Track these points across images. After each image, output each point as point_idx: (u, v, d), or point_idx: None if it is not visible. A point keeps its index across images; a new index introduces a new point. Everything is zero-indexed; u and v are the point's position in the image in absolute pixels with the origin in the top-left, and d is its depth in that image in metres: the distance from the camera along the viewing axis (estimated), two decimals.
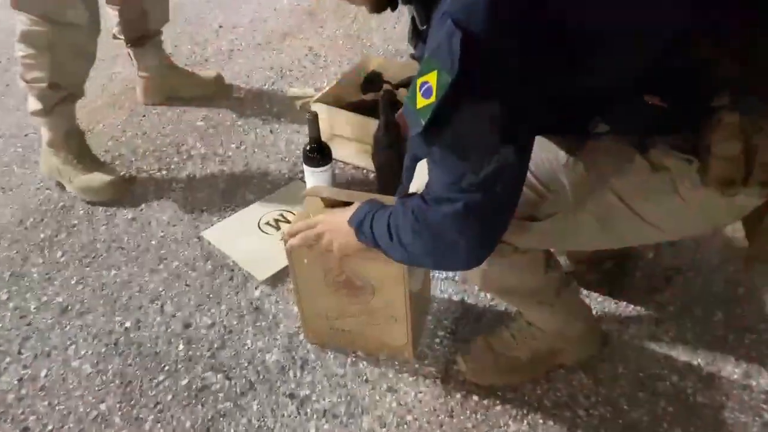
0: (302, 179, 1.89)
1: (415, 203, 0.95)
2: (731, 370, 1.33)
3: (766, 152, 0.85)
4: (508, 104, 0.80)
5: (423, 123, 0.81)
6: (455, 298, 1.53)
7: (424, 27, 0.89)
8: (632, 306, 1.47)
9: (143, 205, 1.85)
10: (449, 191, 0.88)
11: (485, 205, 0.87)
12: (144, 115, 2.21)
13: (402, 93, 1.83)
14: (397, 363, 1.39)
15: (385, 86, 1.86)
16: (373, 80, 2.07)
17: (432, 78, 0.78)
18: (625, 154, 0.95)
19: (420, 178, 1.08)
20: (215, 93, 2.26)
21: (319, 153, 1.66)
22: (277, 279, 1.59)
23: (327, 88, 1.94)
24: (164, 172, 1.97)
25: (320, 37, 2.62)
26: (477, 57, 0.76)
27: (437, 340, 1.44)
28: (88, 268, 1.67)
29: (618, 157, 0.96)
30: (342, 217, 1.14)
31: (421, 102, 0.80)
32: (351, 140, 1.86)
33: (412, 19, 0.93)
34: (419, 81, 0.80)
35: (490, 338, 1.34)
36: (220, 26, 2.73)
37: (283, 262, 1.60)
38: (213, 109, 2.23)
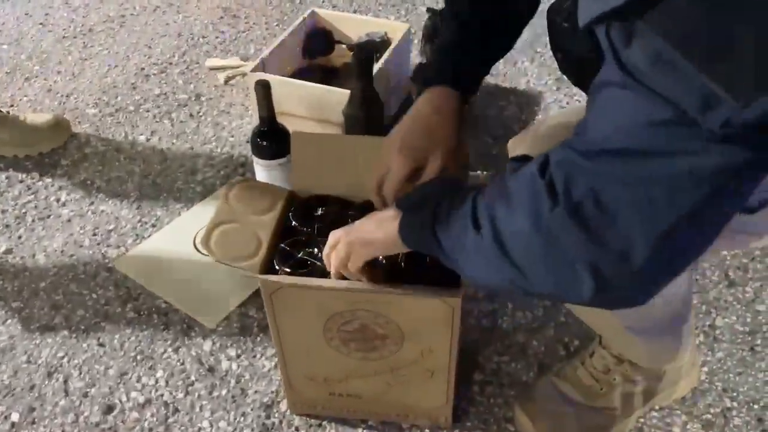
0: (243, 175, 1.42)
1: (572, 157, 0.51)
2: None
3: None
4: None
5: None
6: (485, 322, 1.13)
7: None
8: (717, 312, 1.13)
9: (21, 230, 1.31)
10: (671, 137, 0.45)
11: (736, 167, 0.45)
12: None
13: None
14: (428, 431, 0.98)
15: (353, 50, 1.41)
16: (319, 41, 1.62)
17: None
18: None
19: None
20: (54, 148, 1.48)
21: (274, 139, 1.19)
22: (233, 322, 1.13)
23: (264, 53, 1.47)
24: (47, 180, 1.42)
25: None
26: None
27: (476, 388, 1.03)
28: None
29: None
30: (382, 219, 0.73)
31: None
32: (306, 119, 1.40)
33: None
34: None
35: (561, 382, 0.96)
36: None
37: (240, 297, 1.14)
38: (108, 90, 1.69)
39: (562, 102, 1.61)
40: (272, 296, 0.83)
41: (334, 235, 0.76)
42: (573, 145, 0.51)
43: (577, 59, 0.89)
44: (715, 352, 1.06)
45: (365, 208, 0.90)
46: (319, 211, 0.90)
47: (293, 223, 0.89)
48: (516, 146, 0.87)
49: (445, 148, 0.80)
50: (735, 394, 1.01)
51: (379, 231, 0.71)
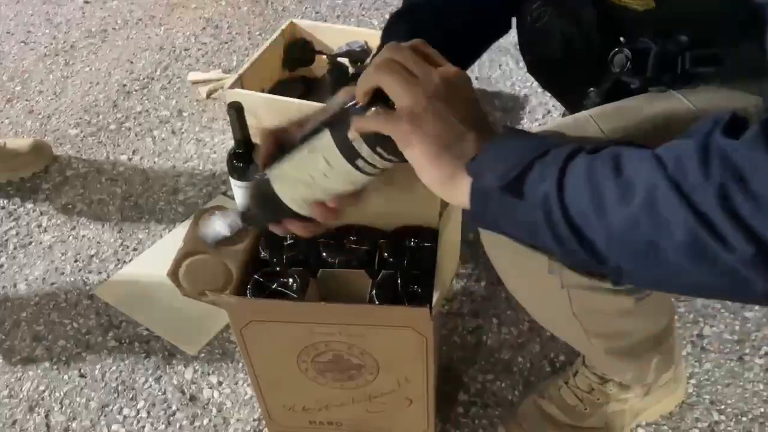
0: (226, 193, 1.41)
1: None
2: None
3: None
4: None
5: None
6: (470, 338, 1.11)
7: None
8: (704, 321, 1.11)
9: (2, 260, 1.30)
10: None
11: None
12: None
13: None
14: None
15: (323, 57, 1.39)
16: (299, 52, 1.60)
17: None
18: None
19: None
20: (35, 173, 1.47)
21: (249, 160, 1.18)
22: (215, 348, 1.12)
23: (243, 68, 1.45)
24: (28, 206, 1.41)
25: (218, 4, 2.09)
26: None
27: (461, 409, 1.02)
28: None
29: None
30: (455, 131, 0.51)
31: None
32: None
33: None
34: None
35: (545, 403, 0.94)
36: (86, 2, 2.13)
37: (221, 323, 1.13)
38: (90, 109, 1.67)
39: (547, 105, 1.59)
40: (242, 331, 0.82)
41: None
42: None
43: (547, 61, 0.87)
44: (702, 363, 1.04)
45: (338, 236, 0.88)
46: (290, 240, 0.89)
47: (262, 254, 0.87)
48: None
49: None
50: (723, 406, 0.99)
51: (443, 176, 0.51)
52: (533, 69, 0.93)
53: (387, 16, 0.85)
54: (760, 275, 0.38)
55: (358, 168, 0.55)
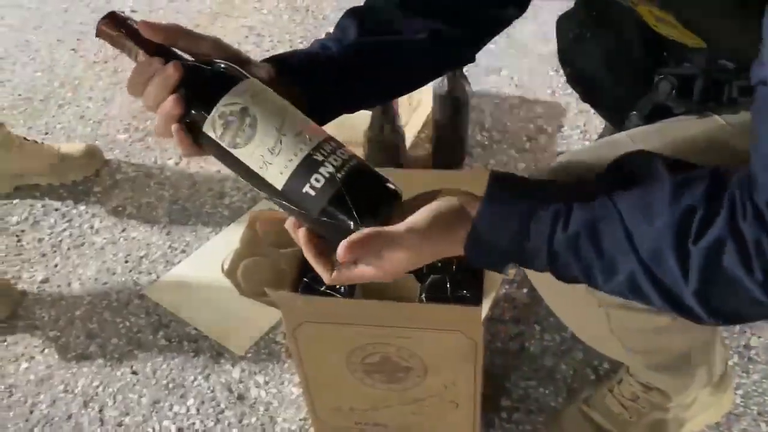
0: (271, 198, 1.44)
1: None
2: None
3: None
4: None
5: None
6: (512, 345, 1.12)
7: None
8: (752, 332, 1.10)
9: (57, 260, 1.35)
10: None
11: None
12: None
13: None
14: None
15: None
16: None
17: None
18: None
19: None
20: (87, 176, 1.51)
21: None
22: (262, 349, 1.14)
23: None
24: (81, 208, 1.46)
25: (259, 13, 2.13)
26: None
27: (504, 414, 1.03)
28: None
29: None
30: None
31: None
32: None
33: None
34: None
35: (590, 410, 0.95)
36: (133, 11, 2.19)
37: (268, 323, 1.16)
38: (138, 115, 1.73)
39: (588, 112, 1.59)
40: (295, 331, 0.84)
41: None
42: None
43: (587, 76, 0.88)
44: (750, 374, 1.04)
45: None
46: None
47: None
48: None
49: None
50: None
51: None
52: (573, 80, 0.93)
53: None
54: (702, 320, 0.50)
55: None
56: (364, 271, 0.54)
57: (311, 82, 0.62)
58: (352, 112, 0.69)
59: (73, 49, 2.03)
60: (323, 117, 0.62)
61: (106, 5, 2.20)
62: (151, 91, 0.54)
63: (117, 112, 1.75)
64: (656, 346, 0.76)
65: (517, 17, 0.76)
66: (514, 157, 1.49)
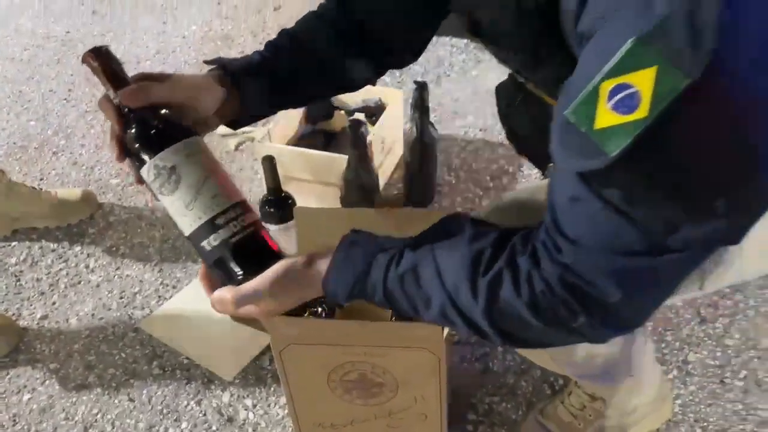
0: None
1: (547, 275, 0.58)
2: None
3: None
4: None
5: (612, 152, 0.48)
6: (477, 365, 1.23)
7: None
8: (689, 348, 1.23)
9: (55, 297, 1.45)
10: (630, 252, 0.55)
11: (692, 267, 0.57)
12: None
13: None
14: None
15: (351, 115, 1.56)
16: (320, 108, 1.77)
17: (642, 79, 0.46)
18: None
19: None
20: (81, 219, 1.63)
21: (280, 207, 1.33)
22: (249, 374, 1.25)
23: (271, 124, 1.61)
24: (77, 248, 1.56)
25: None
26: (742, 41, 0.45)
27: (470, 427, 1.14)
28: None
29: None
30: (302, 283, 0.70)
31: (609, 118, 0.48)
32: (311, 183, 1.54)
33: None
34: (606, 84, 0.47)
35: (545, 419, 1.06)
36: (122, 62, 2.32)
37: (254, 350, 1.26)
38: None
39: None
40: (281, 353, 0.95)
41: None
42: (563, 259, 0.57)
43: (518, 134, 1.00)
44: (687, 385, 1.16)
45: None
46: None
47: None
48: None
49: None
50: (705, 424, 1.10)
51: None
52: (509, 137, 1.05)
53: (398, 74, 1.00)
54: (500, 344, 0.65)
55: None
56: (249, 310, 0.70)
57: (246, 84, 0.78)
58: (283, 109, 0.89)
59: (65, 99, 2.15)
60: (260, 112, 0.82)
61: None
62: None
63: (109, 158, 1.86)
64: (578, 360, 0.89)
65: (411, 62, 0.94)
66: (479, 194, 1.63)
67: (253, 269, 0.70)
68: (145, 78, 0.74)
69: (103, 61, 0.72)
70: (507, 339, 0.64)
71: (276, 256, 0.72)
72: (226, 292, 0.69)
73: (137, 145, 0.70)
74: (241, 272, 0.71)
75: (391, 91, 1.73)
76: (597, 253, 0.55)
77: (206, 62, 0.80)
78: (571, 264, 0.56)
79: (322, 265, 0.68)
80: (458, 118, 1.88)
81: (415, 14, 0.85)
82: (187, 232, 0.70)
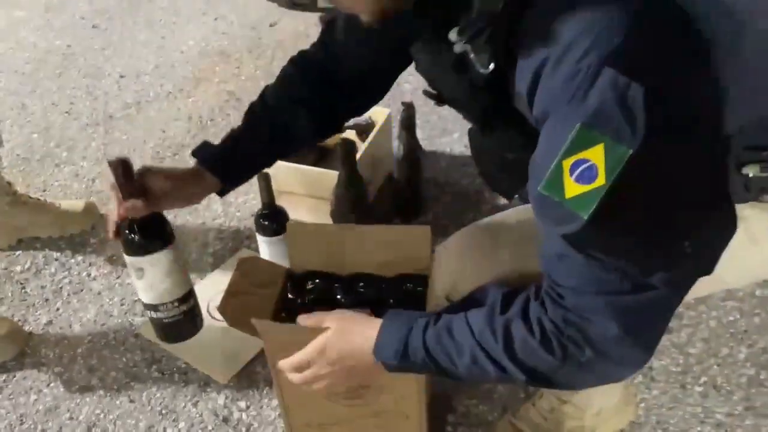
0: (249, 247, 1.63)
1: (553, 317, 0.68)
2: None
3: None
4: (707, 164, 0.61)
5: (584, 216, 0.58)
6: None
7: (489, 70, 0.64)
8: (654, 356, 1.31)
9: (59, 303, 1.52)
10: (620, 292, 0.64)
11: (676, 301, 0.67)
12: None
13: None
14: None
15: (343, 133, 1.64)
16: None
17: (595, 154, 0.56)
18: None
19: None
20: (83, 230, 1.72)
21: (273, 220, 1.41)
22: (243, 377, 1.33)
23: None
24: (79, 257, 1.64)
25: (239, 79, 2.37)
26: (666, 113, 0.55)
27: (449, 428, 1.22)
28: None
29: None
30: (354, 345, 0.85)
31: (575, 189, 0.57)
32: (304, 197, 1.62)
33: (440, 46, 0.71)
34: (567, 162, 0.57)
35: (517, 421, 1.15)
36: (122, 76, 2.41)
37: (248, 355, 1.34)
38: None
39: None
40: (274, 357, 1.03)
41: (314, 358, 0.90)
42: (564, 303, 0.67)
43: (486, 172, 1.08)
44: (651, 390, 1.25)
45: (349, 281, 1.11)
46: (310, 285, 1.11)
47: (290, 295, 1.10)
48: (446, 256, 1.01)
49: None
50: (667, 426, 1.19)
51: (368, 370, 0.86)
52: (480, 174, 1.13)
53: (388, 95, 1.09)
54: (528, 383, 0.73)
55: None
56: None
57: (222, 168, 1.02)
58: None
59: (66, 112, 2.23)
60: (235, 182, 1.07)
61: (96, 71, 2.42)
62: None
63: (109, 170, 1.93)
64: None
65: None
66: (463, 209, 1.72)
67: (174, 341, 1.16)
68: (147, 171, 0.97)
69: (122, 170, 0.93)
70: (532, 377, 0.72)
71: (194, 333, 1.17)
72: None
73: (123, 240, 1.03)
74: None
75: (380, 110, 1.82)
76: (591, 296, 0.65)
77: (193, 154, 1.02)
78: (572, 306, 0.66)
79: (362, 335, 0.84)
80: (445, 135, 1.97)
81: (383, 70, 0.99)
82: (142, 298, 1.09)
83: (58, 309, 1.51)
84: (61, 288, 1.56)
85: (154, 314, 1.08)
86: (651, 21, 0.57)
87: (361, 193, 1.49)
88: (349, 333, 0.85)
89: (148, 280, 1.03)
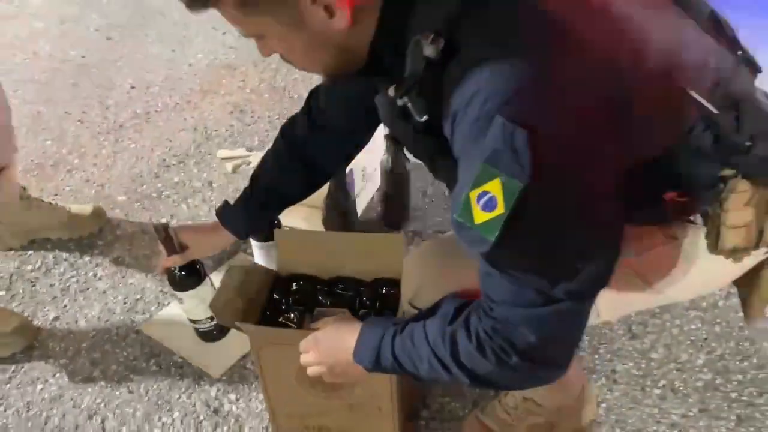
0: (246, 251, 1.74)
1: (485, 327, 0.77)
2: (726, 415, 1.29)
3: None
4: (600, 191, 0.70)
5: (491, 239, 0.67)
6: None
7: (423, 119, 0.75)
8: (618, 360, 1.40)
9: (66, 301, 1.63)
10: (533, 305, 0.74)
11: (582, 311, 0.76)
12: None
13: None
14: None
15: None
16: None
17: (494, 187, 0.66)
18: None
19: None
20: (91, 232, 1.82)
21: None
22: (234, 372, 1.43)
23: (263, 153, 1.80)
24: (86, 258, 1.75)
25: (243, 92, 2.48)
26: (549, 152, 0.65)
27: (423, 423, 1.31)
28: (8, 386, 1.43)
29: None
30: (340, 344, 0.95)
31: (482, 216, 0.68)
32: (298, 205, 1.72)
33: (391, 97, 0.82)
34: (473, 193, 0.67)
35: (483, 417, 1.24)
36: (132, 87, 2.53)
37: (239, 352, 1.44)
38: (136, 179, 2.03)
39: None
40: (260, 352, 1.13)
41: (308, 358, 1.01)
42: (487, 314, 0.77)
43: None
44: (613, 392, 1.34)
45: (330, 284, 1.21)
46: (294, 286, 1.21)
47: (275, 295, 1.20)
48: (411, 264, 1.13)
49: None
50: (624, 425, 1.28)
51: (352, 369, 0.95)
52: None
53: None
54: (472, 384, 0.82)
55: None
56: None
57: (233, 227, 1.27)
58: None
59: (79, 121, 2.35)
60: (247, 235, 1.31)
61: (108, 82, 2.54)
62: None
63: (118, 177, 2.05)
64: None
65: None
66: (447, 219, 1.81)
67: (208, 342, 1.48)
68: (180, 228, 1.29)
69: (165, 233, 1.25)
70: (475, 380, 0.81)
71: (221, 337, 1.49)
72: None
73: (168, 279, 1.36)
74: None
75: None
76: (512, 308, 0.75)
77: (217, 213, 1.28)
78: (499, 317, 0.76)
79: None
80: None
81: (363, 120, 1.12)
82: (184, 314, 1.43)
83: (65, 306, 1.62)
84: (68, 286, 1.67)
85: (193, 325, 1.43)
86: (556, 72, 0.66)
87: (349, 203, 1.59)
88: (338, 336, 0.96)
89: (186, 305, 1.38)
